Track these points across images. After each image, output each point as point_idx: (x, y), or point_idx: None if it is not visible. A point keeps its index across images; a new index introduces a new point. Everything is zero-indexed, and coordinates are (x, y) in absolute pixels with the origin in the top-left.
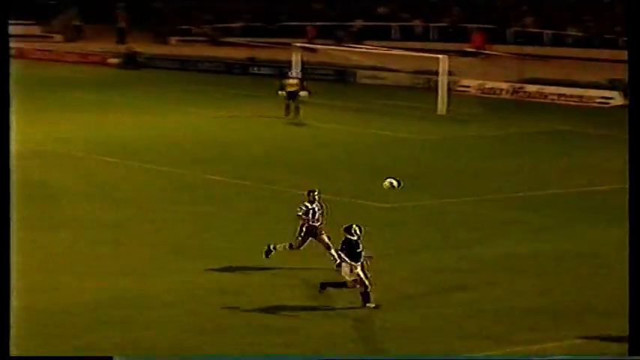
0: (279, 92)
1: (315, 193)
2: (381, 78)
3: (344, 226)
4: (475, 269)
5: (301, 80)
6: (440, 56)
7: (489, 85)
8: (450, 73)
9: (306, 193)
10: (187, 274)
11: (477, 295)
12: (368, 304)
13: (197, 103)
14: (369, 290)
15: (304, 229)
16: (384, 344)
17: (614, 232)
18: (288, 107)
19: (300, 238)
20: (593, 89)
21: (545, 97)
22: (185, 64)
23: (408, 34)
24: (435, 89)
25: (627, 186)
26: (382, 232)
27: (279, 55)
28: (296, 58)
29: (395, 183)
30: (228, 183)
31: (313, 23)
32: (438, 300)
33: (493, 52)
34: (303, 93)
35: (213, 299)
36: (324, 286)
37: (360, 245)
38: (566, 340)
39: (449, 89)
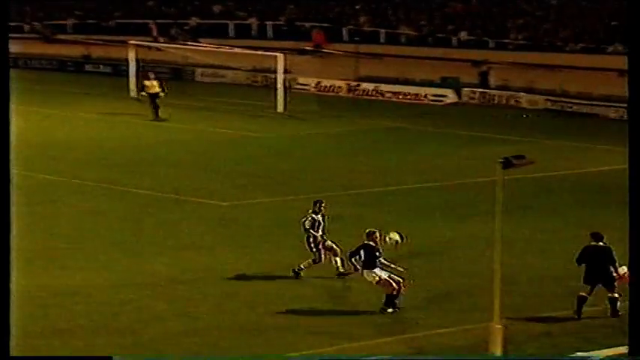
0: (141, 94)
1: (323, 204)
2: (220, 76)
3: (367, 231)
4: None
5: (160, 81)
6: (277, 54)
7: (326, 83)
8: (287, 71)
9: (312, 202)
10: (19, 276)
11: (329, 289)
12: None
13: (28, 101)
14: (394, 293)
15: (312, 241)
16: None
17: (445, 225)
18: (155, 109)
19: (316, 251)
20: (427, 87)
21: (381, 94)
22: (16, 62)
23: (244, 33)
24: (273, 87)
25: (463, 182)
26: (220, 229)
27: (114, 52)
28: (132, 56)
29: (398, 238)
30: (65, 182)
31: (148, 21)
32: (285, 292)
33: (330, 51)
34: (162, 94)
35: (49, 301)
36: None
37: (379, 252)
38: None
39: (287, 87)
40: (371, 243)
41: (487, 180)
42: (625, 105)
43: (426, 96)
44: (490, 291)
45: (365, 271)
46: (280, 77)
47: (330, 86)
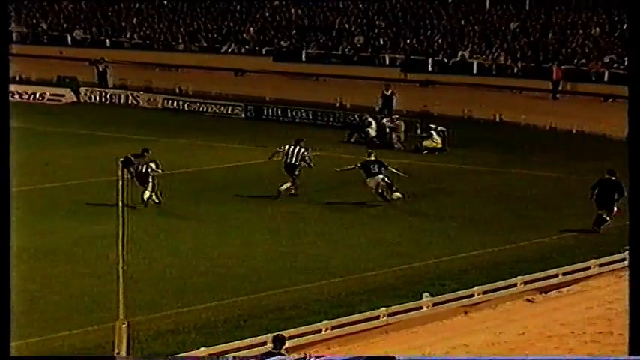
0: None
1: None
2: None
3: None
4: None
5: None
6: None
7: None
8: None
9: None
10: None
11: None
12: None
13: None
14: None
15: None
16: None
17: (70, 225)
18: None
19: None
20: (44, 86)
21: None
22: None
23: None
24: None
25: (77, 182)
26: None
27: None
28: None
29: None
30: None
31: None
32: None
33: None
34: None
35: None
36: None
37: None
38: None
39: None
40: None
41: (110, 179)
42: (241, 103)
43: (43, 95)
44: (114, 290)
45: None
46: None
47: None
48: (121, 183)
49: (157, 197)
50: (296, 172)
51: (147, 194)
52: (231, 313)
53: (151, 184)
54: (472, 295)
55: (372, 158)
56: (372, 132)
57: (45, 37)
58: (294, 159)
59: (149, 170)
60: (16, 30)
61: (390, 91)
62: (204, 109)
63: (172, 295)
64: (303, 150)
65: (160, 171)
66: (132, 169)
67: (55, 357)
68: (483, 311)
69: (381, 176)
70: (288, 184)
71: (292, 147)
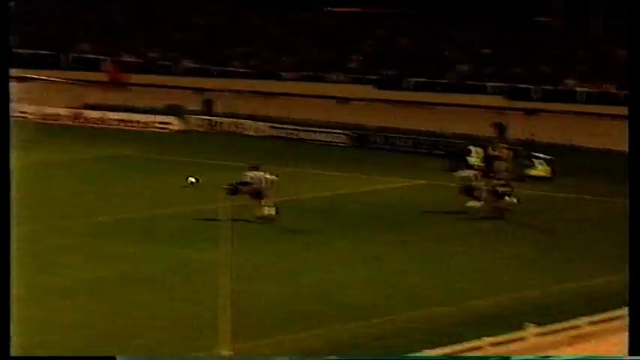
0: None
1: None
2: None
3: None
4: (40, 297)
5: None
6: None
7: (49, 110)
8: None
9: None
10: None
11: (46, 323)
12: None
13: None
14: None
15: None
16: None
17: (175, 253)
18: None
19: None
20: (152, 115)
21: (106, 122)
22: None
23: None
24: None
25: (188, 209)
26: None
27: None
28: None
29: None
30: None
31: None
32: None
33: (52, 78)
34: None
35: None
36: None
37: None
38: None
39: None
40: None
41: (212, 206)
42: (346, 131)
43: (151, 124)
44: (220, 316)
45: None
46: None
47: (53, 114)
48: (225, 211)
49: (272, 210)
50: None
51: (265, 210)
52: (335, 341)
53: (266, 197)
54: (578, 327)
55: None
56: (473, 160)
57: (154, 65)
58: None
59: (264, 183)
60: (126, 59)
61: (500, 121)
62: (310, 137)
63: (277, 321)
64: None
65: (275, 177)
66: (243, 188)
67: (55, 357)
68: (590, 342)
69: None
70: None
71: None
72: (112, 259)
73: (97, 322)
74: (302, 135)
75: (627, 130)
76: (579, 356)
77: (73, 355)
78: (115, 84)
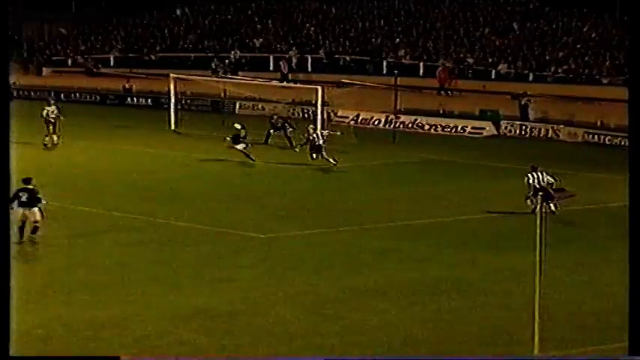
0: (43, 117)
1: None
2: (259, 109)
3: None
4: (353, 298)
5: (57, 106)
6: (317, 87)
7: (365, 115)
8: (325, 104)
9: None
10: (60, 308)
11: (357, 323)
12: None
13: (71, 134)
14: None
15: None
16: None
17: (485, 258)
18: (49, 133)
19: None
20: (465, 120)
21: (420, 127)
22: (59, 95)
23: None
24: (312, 120)
25: (496, 214)
26: (259, 261)
27: (155, 85)
28: (172, 89)
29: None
30: (106, 215)
31: (190, 55)
32: (320, 327)
33: (368, 84)
34: (62, 118)
35: (89, 333)
36: None
37: None
38: None
39: (326, 120)
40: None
41: (526, 212)
42: None
43: (464, 129)
44: (529, 324)
45: None
46: (319, 110)
47: (369, 119)
48: (539, 217)
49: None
50: None
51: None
52: None
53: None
54: None
55: None
56: None
57: (470, 71)
58: None
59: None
60: (447, 64)
61: None
62: (624, 144)
63: (588, 331)
64: None
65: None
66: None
67: (55, 357)
68: None
69: None
70: None
71: None
72: (426, 262)
73: (402, 325)
74: (617, 141)
75: None
76: (579, 356)
77: (74, 355)
78: (443, 90)
